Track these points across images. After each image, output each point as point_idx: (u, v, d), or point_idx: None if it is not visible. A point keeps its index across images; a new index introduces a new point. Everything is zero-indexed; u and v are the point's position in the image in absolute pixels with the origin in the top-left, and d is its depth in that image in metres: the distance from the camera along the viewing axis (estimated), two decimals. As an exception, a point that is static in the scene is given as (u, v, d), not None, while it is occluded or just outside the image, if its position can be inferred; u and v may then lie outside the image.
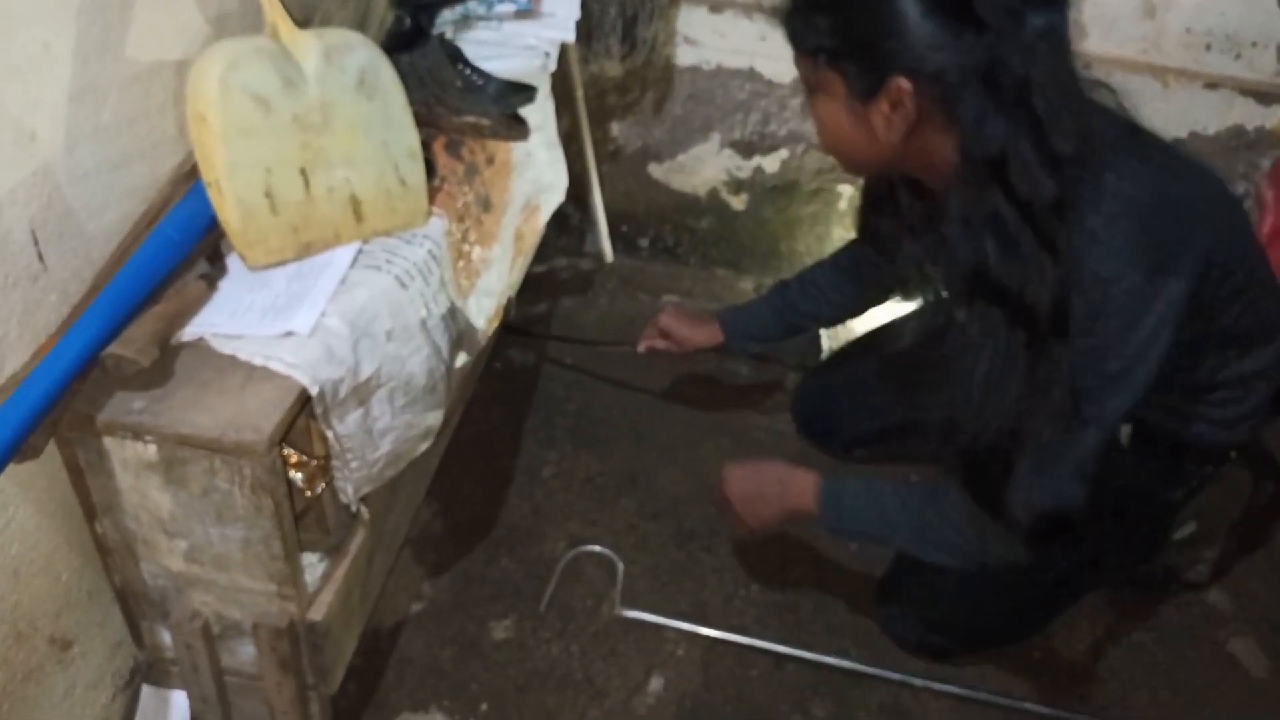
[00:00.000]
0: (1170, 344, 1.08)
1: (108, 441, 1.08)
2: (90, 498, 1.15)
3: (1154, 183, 1.07)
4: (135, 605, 1.27)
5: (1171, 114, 2.05)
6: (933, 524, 1.26)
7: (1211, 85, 2.01)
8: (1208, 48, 1.98)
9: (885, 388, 1.79)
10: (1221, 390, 1.30)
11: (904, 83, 1.02)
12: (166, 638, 1.28)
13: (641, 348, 1.82)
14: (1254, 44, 1.96)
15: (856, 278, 1.68)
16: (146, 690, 1.36)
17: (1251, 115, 2.02)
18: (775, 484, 1.37)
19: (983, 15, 0.96)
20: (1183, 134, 2.07)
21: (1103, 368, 1.07)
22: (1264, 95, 1.99)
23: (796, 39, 1.11)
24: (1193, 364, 1.24)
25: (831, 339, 2.12)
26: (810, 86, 1.14)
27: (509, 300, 1.73)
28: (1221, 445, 1.37)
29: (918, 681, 1.55)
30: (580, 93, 2.15)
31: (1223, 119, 2.04)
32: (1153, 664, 1.62)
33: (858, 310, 1.78)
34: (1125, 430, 1.34)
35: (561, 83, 2.04)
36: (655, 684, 1.55)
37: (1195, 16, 1.95)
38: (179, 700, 1.35)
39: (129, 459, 1.10)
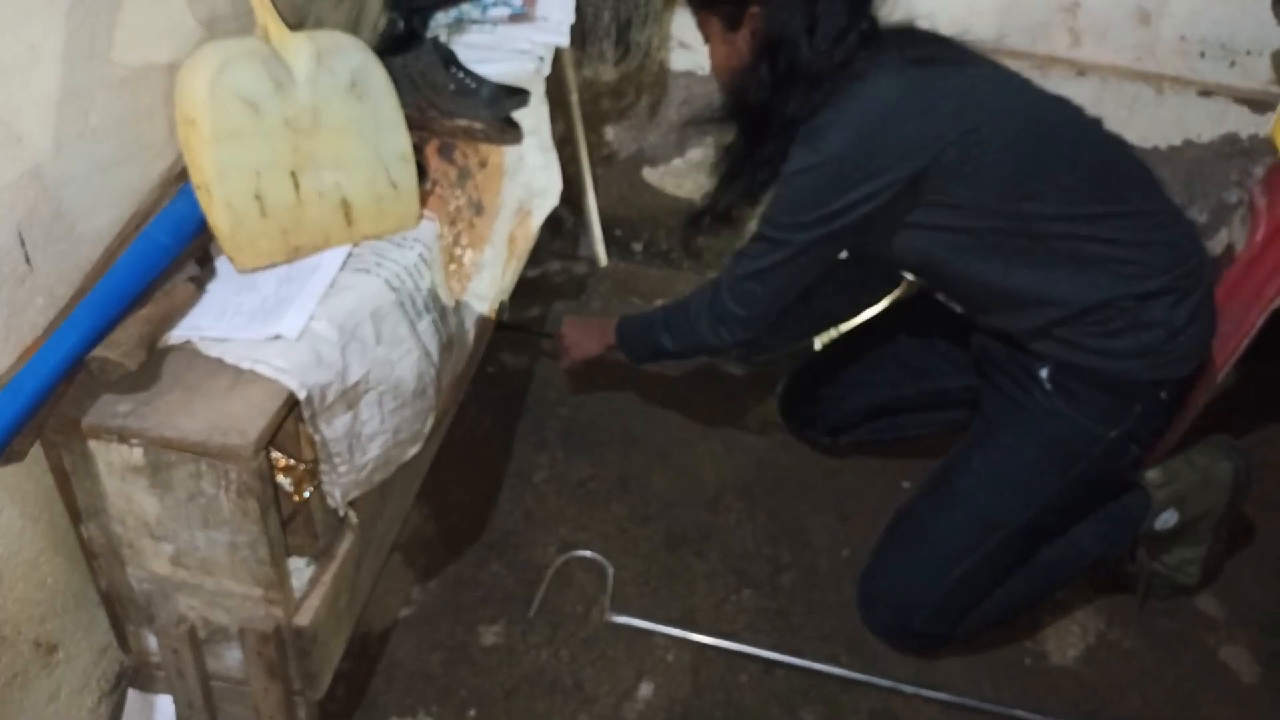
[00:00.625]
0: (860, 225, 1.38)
1: (93, 445, 1.08)
2: (76, 501, 1.15)
3: (890, 103, 1.34)
4: (121, 609, 1.26)
5: (1165, 121, 2.05)
6: (677, 320, 1.62)
7: (1205, 93, 2.01)
8: (1201, 55, 1.98)
9: (868, 367, 1.85)
10: (1112, 320, 1.40)
11: (755, 8, 1.37)
12: (153, 642, 1.28)
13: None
14: (1248, 52, 1.96)
15: None
16: (132, 695, 1.35)
17: (1245, 123, 2.02)
18: (596, 329, 1.76)
19: None
20: (1177, 141, 2.07)
21: (780, 212, 1.43)
22: (1258, 103, 1.99)
23: (690, 2, 1.49)
24: (1029, 275, 1.41)
25: (821, 338, 2.12)
26: (704, 36, 1.49)
27: (502, 304, 1.72)
28: (1141, 380, 1.43)
29: (908, 688, 1.55)
30: (575, 97, 2.15)
31: (1217, 126, 2.04)
32: (1143, 670, 1.62)
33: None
34: (1044, 371, 1.46)
35: (556, 87, 2.04)
36: (645, 689, 1.54)
37: (1189, 24, 1.96)
38: (165, 705, 1.34)
39: (115, 462, 1.09)
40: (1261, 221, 1.67)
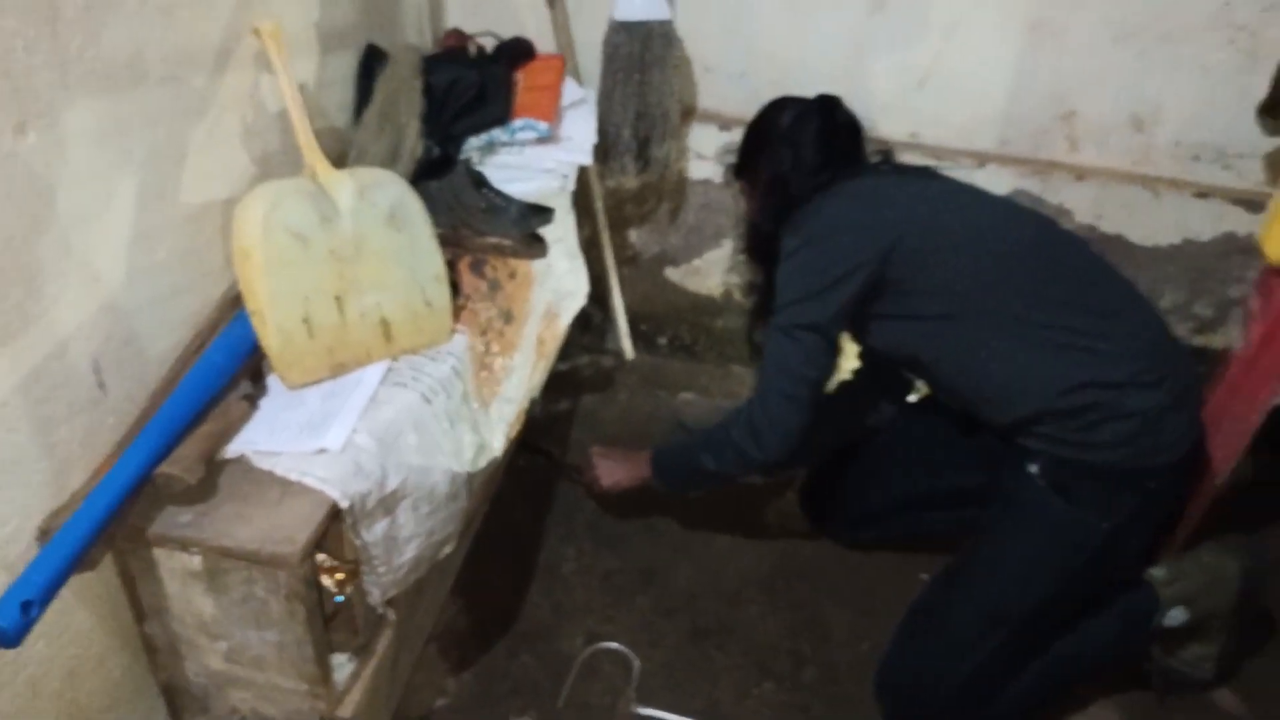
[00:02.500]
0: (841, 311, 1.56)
1: (157, 552, 1.18)
2: (140, 602, 1.25)
3: (857, 196, 1.61)
4: (178, 700, 1.36)
5: (1165, 222, 2.13)
6: (717, 439, 1.71)
7: (1201, 194, 2.09)
8: (1196, 158, 2.07)
9: (888, 463, 1.92)
10: (1089, 412, 1.46)
11: (761, 159, 1.74)
12: (205, 733, 1.37)
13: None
14: (1240, 155, 2.04)
15: None
16: (184, 783, 1.43)
17: (1242, 222, 2.10)
18: (629, 462, 1.89)
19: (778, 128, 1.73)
20: (1177, 240, 2.15)
21: (781, 300, 1.60)
22: (1252, 203, 2.07)
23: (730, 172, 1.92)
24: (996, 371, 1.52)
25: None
26: (744, 196, 1.85)
27: (533, 400, 1.82)
28: (1128, 471, 1.49)
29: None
30: (600, 204, 2.28)
31: (1215, 226, 2.12)
32: (1161, 766, 1.65)
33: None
34: (1034, 468, 1.54)
35: (582, 196, 2.17)
36: (669, 779, 1.60)
37: (1183, 130, 2.05)
38: (215, 793, 1.42)
39: (176, 568, 1.19)
40: (1256, 323, 1.73)
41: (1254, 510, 2.03)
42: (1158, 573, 1.65)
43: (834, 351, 1.62)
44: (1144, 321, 1.54)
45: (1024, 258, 1.53)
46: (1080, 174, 2.11)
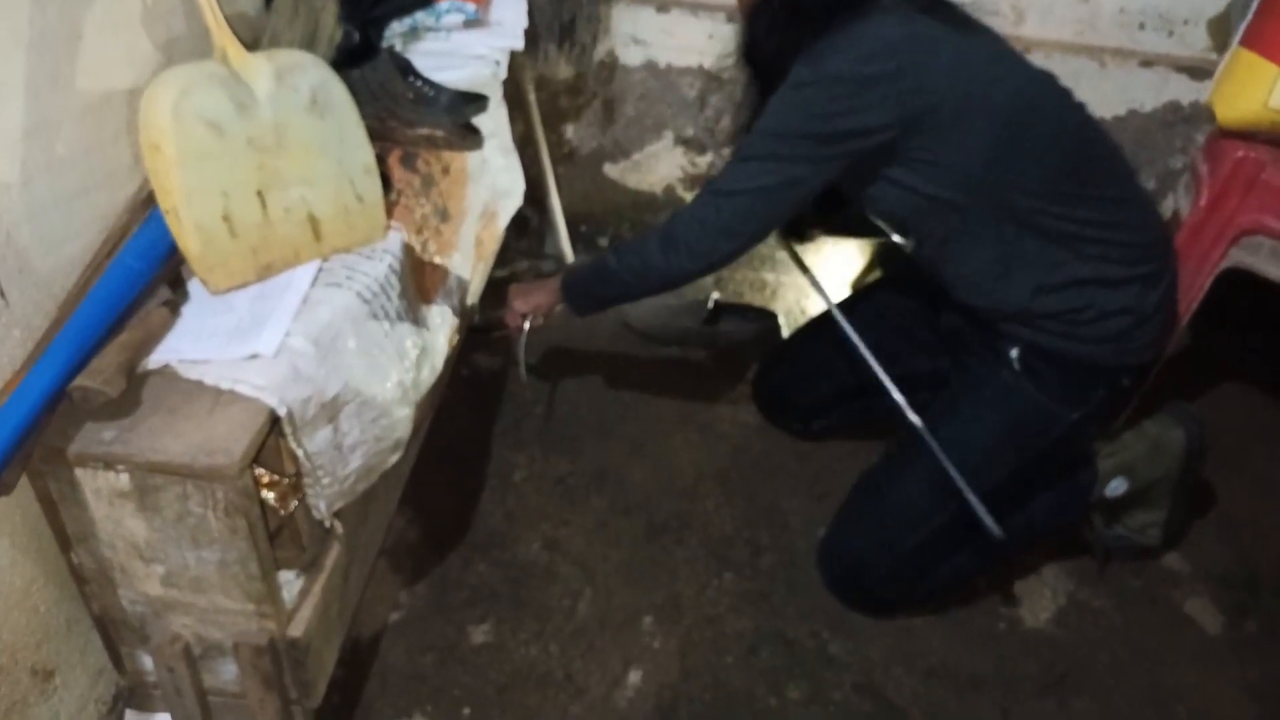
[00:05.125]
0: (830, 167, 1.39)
1: (79, 473, 1.09)
2: (64, 529, 1.16)
3: (893, 42, 1.34)
4: (115, 631, 1.28)
5: (1110, 92, 2.11)
6: (632, 241, 1.58)
7: (1147, 63, 2.07)
8: (1141, 26, 2.04)
9: (837, 352, 1.84)
10: (1083, 307, 1.43)
11: None
12: (148, 662, 1.30)
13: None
14: (1185, 21, 2.02)
15: None
16: (130, 715, 1.37)
17: (1186, 90, 2.08)
18: (539, 285, 1.75)
19: None
20: (1121, 111, 2.13)
21: (765, 126, 1.41)
22: (1197, 71, 2.05)
23: None
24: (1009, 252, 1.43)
25: (789, 324, 2.17)
26: None
27: (472, 306, 1.74)
28: (1106, 365, 1.47)
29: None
30: (532, 97, 2.17)
31: (1159, 95, 2.10)
32: (1112, 628, 1.68)
33: None
34: (1014, 352, 1.50)
35: (513, 88, 2.05)
36: (634, 677, 1.58)
37: (1128, -3, 2.01)
38: (163, 722, 1.36)
39: (102, 488, 1.11)
40: (1204, 188, 1.72)
41: (1190, 376, 2.05)
42: (1098, 444, 1.65)
43: (803, 203, 1.45)
44: (1149, 220, 1.48)
45: (1051, 148, 1.39)
46: (1027, 46, 2.07)
